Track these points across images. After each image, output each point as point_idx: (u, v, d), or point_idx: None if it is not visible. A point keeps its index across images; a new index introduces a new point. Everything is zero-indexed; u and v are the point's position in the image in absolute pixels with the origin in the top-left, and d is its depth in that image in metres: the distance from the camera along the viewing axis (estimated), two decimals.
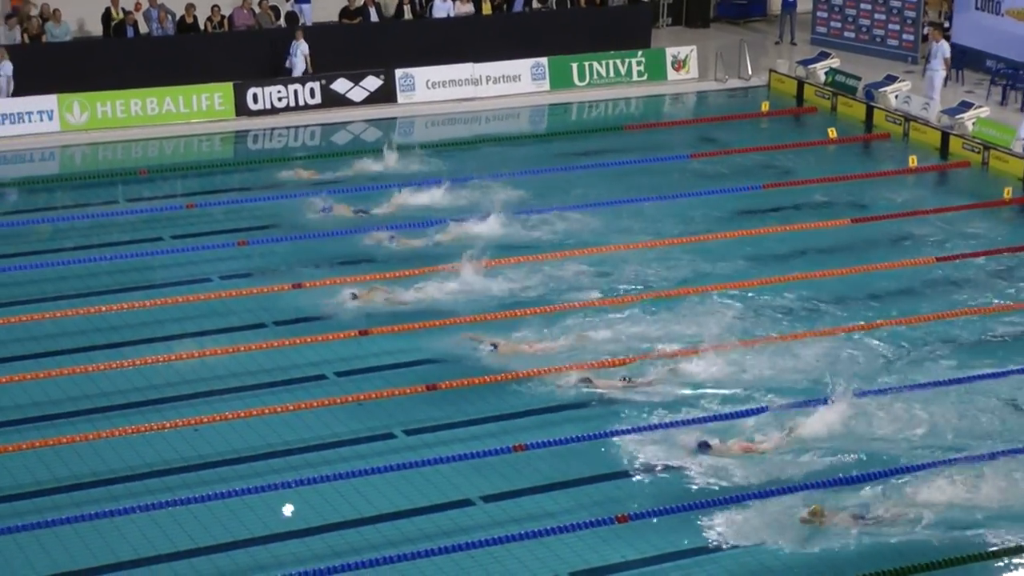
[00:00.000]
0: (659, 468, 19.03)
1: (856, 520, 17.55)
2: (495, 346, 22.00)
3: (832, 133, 34.07)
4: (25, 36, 35.34)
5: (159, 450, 19.51)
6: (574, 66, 38.31)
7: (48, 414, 20.46)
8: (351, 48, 37.31)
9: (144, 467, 19.14)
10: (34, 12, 35.60)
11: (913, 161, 32.05)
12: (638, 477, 18.97)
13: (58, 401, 20.80)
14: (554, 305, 23.89)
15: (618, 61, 38.69)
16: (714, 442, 19.18)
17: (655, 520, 17.89)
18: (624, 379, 21.10)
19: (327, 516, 18.11)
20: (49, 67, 34.63)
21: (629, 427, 20.00)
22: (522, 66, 37.93)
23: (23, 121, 33.60)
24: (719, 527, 17.68)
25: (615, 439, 19.74)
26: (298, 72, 35.95)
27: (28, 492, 18.52)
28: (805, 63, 38.09)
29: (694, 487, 18.62)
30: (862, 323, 23.48)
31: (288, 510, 18.35)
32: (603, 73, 38.56)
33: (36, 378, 21.28)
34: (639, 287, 24.79)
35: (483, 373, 21.56)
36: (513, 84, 37.87)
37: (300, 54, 35.93)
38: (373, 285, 24.21)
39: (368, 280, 24.59)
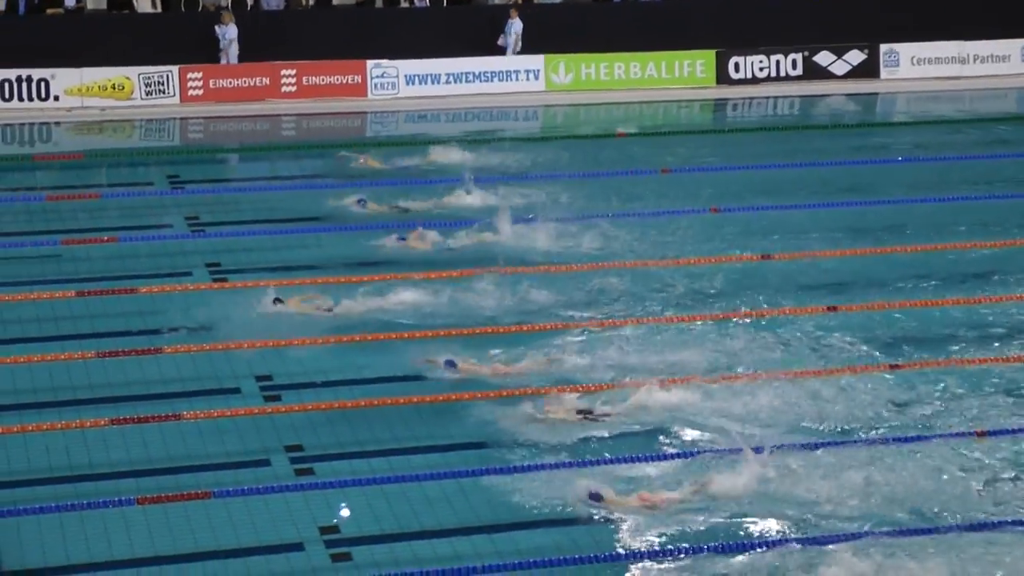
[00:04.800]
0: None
1: None
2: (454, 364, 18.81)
3: None
4: None
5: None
6: None
7: None
8: (833, 21, 37.03)
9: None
10: None
11: None
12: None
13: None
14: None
15: None
16: (607, 493, 15.95)
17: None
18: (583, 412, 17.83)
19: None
20: (539, 29, 35.73)
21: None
22: (1013, 46, 36.84)
23: (511, 79, 34.92)
24: None
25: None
26: (511, 52, 35.58)
27: None
28: None
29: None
30: None
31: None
32: None
33: None
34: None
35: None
36: (1002, 64, 36.85)
37: (513, 32, 35.54)
38: (307, 292, 20.87)
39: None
